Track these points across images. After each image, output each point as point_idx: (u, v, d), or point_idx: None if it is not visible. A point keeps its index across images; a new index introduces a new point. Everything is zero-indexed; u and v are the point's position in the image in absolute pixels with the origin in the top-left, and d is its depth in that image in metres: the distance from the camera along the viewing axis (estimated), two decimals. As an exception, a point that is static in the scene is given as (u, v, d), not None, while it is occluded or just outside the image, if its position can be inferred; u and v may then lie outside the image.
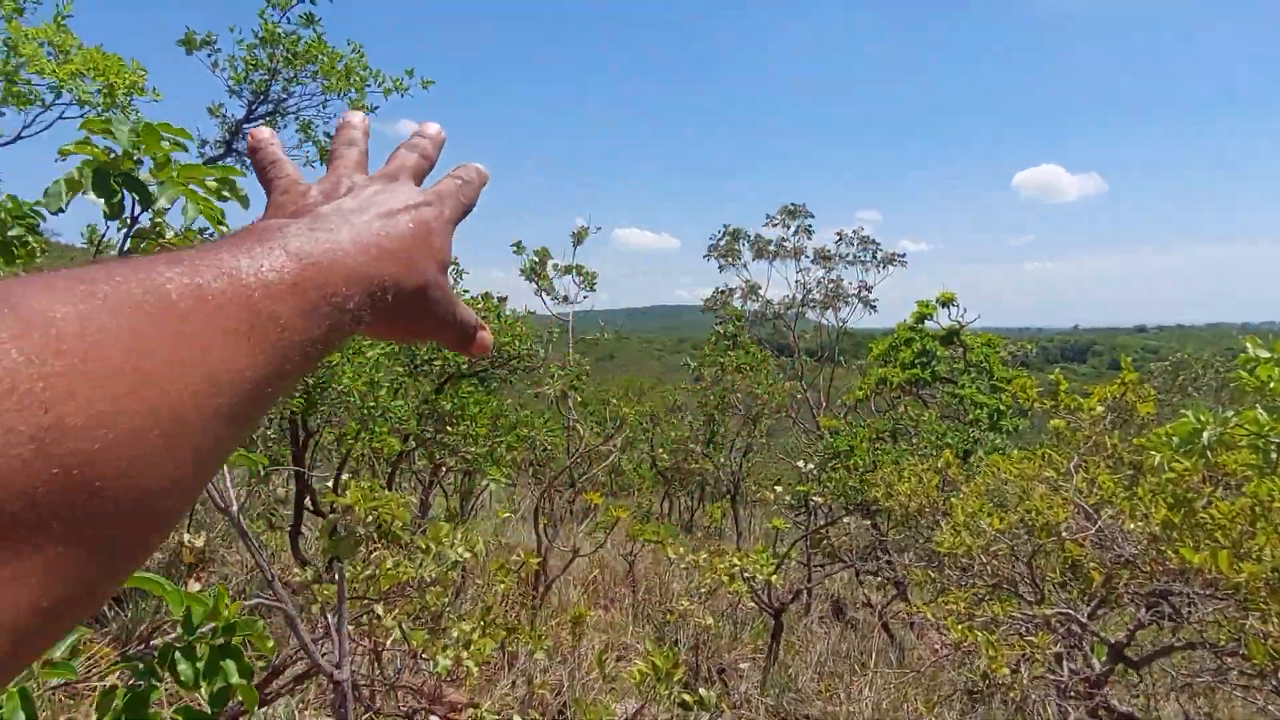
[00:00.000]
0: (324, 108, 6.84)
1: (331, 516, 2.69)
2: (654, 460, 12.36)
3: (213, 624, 1.73)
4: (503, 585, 4.04)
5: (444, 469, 6.87)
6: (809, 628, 6.97)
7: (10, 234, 2.28)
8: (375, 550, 3.05)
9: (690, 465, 11.64)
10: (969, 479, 4.01)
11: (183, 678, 1.65)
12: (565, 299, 7.42)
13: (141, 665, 1.66)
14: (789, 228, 17.78)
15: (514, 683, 4.40)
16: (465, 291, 6.46)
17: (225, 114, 6.83)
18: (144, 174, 1.87)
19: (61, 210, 2.01)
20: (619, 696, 4.67)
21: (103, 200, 1.80)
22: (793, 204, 17.73)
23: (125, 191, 1.83)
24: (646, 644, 3.89)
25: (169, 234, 1.85)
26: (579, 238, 7.49)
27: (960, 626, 2.89)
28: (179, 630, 1.72)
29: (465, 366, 6.00)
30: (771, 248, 17.73)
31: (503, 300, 6.90)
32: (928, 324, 13.88)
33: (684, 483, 12.51)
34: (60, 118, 5.47)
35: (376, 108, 6.90)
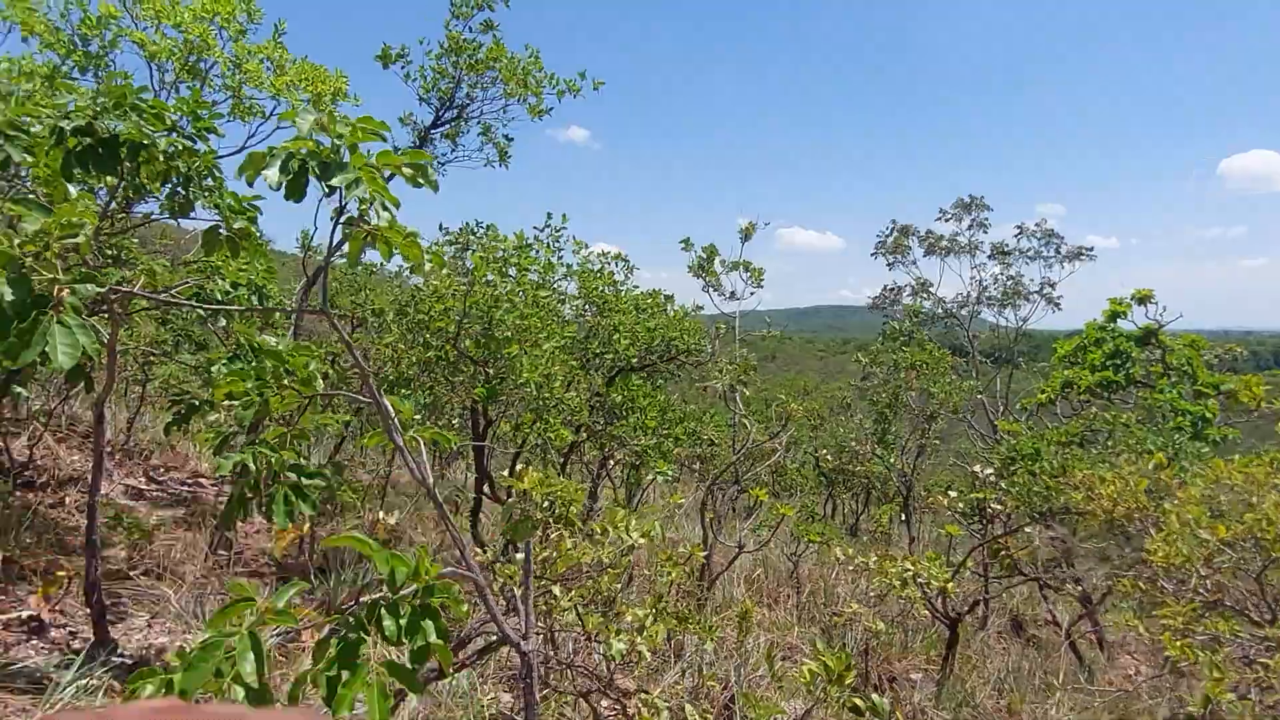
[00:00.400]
0: (504, 110, 7.18)
1: (510, 502, 2.79)
2: (817, 461, 12.10)
3: (414, 585, 1.83)
4: (672, 575, 4.07)
5: (612, 460, 7.02)
6: (985, 642, 6.61)
7: (236, 226, 2.52)
8: (553, 532, 3.14)
9: (855, 467, 11.29)
10: (1182, 485, 3.63)
11: (387, 632, 1.76)
12: (732, 294, 7.38)
13: (352, 619, 1.78)
14: (962, 222, 16.93)
15: (683, 672, 4.42)
16: (635, 287, 6.54)
17: (415, 121, 7.31)
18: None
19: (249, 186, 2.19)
20: (785, 696, 4.59)
21: (278, 172, 1.93)
22: (968, 196, 16.86)
23: (310, 178, 1.96)
24: (816, 644, 3.79)
25: (374, 221, 1.98)
26: (746, 234, 7.44)
27: (1178, 643, 2.62)
28: (384, 589, 1.83)
29: (635, 360, 6.10)
30: (944, 243, 16.94)
31: (669, 298, 6.97)
32: (1121, 323, 12.80)
33: (848, 484, 12.16)
34: (278, 128, 6.03)
35: (551, 109, 7.16)
